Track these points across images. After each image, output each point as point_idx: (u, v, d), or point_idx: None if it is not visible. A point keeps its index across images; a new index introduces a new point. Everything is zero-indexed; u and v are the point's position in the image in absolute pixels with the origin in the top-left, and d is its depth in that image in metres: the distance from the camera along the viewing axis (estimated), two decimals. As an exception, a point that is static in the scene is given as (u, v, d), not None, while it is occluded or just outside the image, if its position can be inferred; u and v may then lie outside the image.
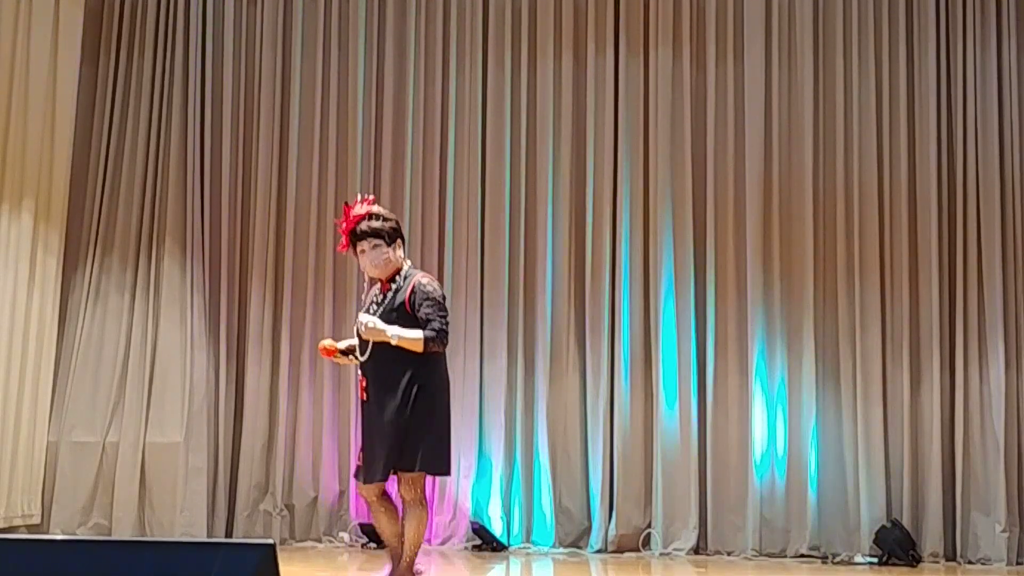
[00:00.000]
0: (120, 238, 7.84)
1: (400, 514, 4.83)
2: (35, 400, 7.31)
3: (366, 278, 5.02)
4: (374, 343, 4.67)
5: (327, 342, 4.92)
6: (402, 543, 4.77)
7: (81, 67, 7.72)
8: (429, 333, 4.67)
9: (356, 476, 4.92)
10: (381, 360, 4.70)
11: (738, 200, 7.61)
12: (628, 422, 7.45)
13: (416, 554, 4.79)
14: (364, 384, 4.76)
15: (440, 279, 7.72)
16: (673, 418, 7.40)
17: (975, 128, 7.40)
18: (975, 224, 7.34)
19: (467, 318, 7.66)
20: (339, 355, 4.89)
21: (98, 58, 8.02)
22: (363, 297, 5.06)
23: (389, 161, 7.89)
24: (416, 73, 7.95)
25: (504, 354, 7.61)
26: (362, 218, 4.80)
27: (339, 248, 5.00)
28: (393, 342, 4.63)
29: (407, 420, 4.66)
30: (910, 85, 7.56)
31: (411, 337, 4.65)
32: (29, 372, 7.22)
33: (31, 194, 7.18)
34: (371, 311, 4.79)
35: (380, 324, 4.63)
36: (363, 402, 4.82)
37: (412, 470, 4.70)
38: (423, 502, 4.76)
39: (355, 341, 4.85)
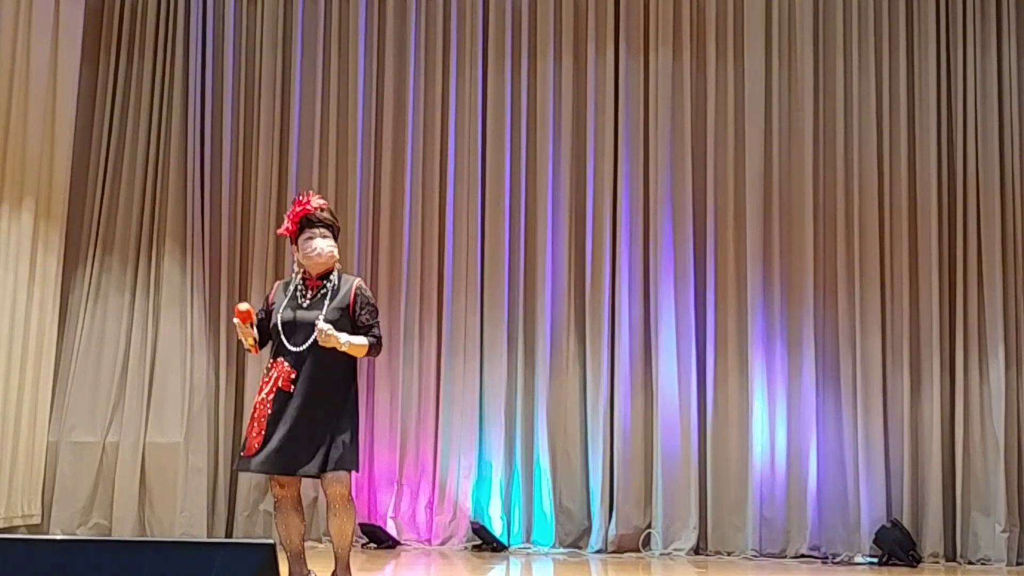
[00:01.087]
0: (120, 238, 7.83)
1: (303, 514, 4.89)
2: (35, 400, 7.31)
3: (295, 266, 4.95)
4: (314, 338, 4.70)
5: (247, 306, 4.83)
6: (336, 544, 4.82)
7: (81, 67, 7.72)
8: (372, 340, 4.83)
9: (243, 465, 4.76)
10: (321, 358, 4.72)
11: (738, 200, 7.60)
12: (628, 422, 7.45)
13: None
14: (293, 376, 4.70)
15: (440, 279, 7.74)
16: (673, 418, 7.40)
17: (975, 128, 7.40)
18: (975, 224, 7.34)
19: (467, 318, 7.66)
20: (248, 326, 4.80)
21: (98, 58, 8.02)
22: (273, 290, 5.01)
23: (389, 161, 7.89)
24: (416, 73, 7.95)
25: (504, 354, 7.60)
26: (320, 208, 4.93)
27: (281, 231, 5.03)
28: (344, 349, 4.71)
29: (350, 420, 4.77)
30: (910, 85, 7.56)
31: (359, 344, 4.77)
32: (29, 372, 7.22)
33: (31, 194, 7.18)
34: (302, 306, 4.80)
35: (335, 331, 4.68)
36: (279, 391, 4.70)
37: (356, 469, 4.81)
38: (353, 500, 4.85)
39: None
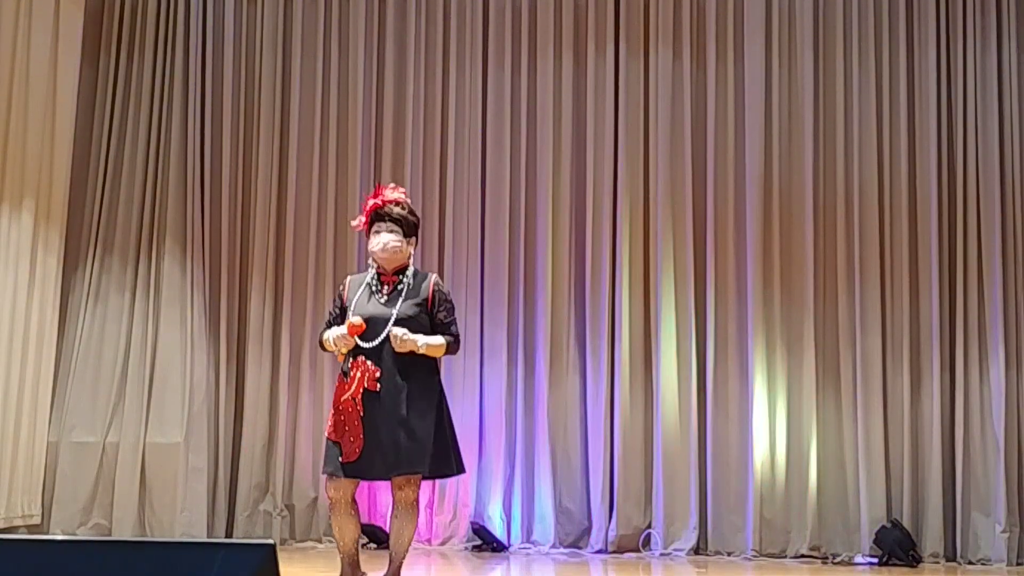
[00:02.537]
0: (120, 238, 7.83)
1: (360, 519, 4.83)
2: (35, 400, 7.31)
3: (370, 261, 4.93)
4: (390, 334, 4.64)
5: (360, 320, 4.68)
6: (395, 547, 4.78)
7: (81, 67, 7.72)
8: (450, 339, 4.79)
9: (340, 472, 4.64)
10: (396, 356, 4.66)
11: (738, 200, 7.61)
12: (628, 422, 7.46)
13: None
14: (377, 375, 4.65)
15: (440, 279, 7.73)
16: (673, 418, 7.40)
17: (975, 128, 7.40)
18: (975, 224, 7.34)
19: (467, 318, 7.66)
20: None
21: (98, 58, 8.02)
22: (346, 286, 4.92)
23: (389, 161, 7.89)
24: (416, 73, 7.95)
25: (504, 354, 7.61)
26: (393, 202, 4.87)
27: (356, 226, 5.00)
28: (421, 351, 4.67)
29: (436, 420, 4.70)
30: (910, 85, 7.56)
31: (437, 344, 4.73)
32: (29, 372, 7.22)
33: (31, 194, 7.18)
34: (379, 301, 4.75)
35: (410, 335, 4.65)
36: (366, 391, 4.64)
37: (423, 472, 4.72)
38: (416, 505, 4.79)
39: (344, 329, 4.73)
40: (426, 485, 7.50)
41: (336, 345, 4.72)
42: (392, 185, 5.09)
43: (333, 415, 4.70)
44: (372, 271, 4.87)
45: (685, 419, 7.40)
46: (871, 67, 7.58)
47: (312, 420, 7.67)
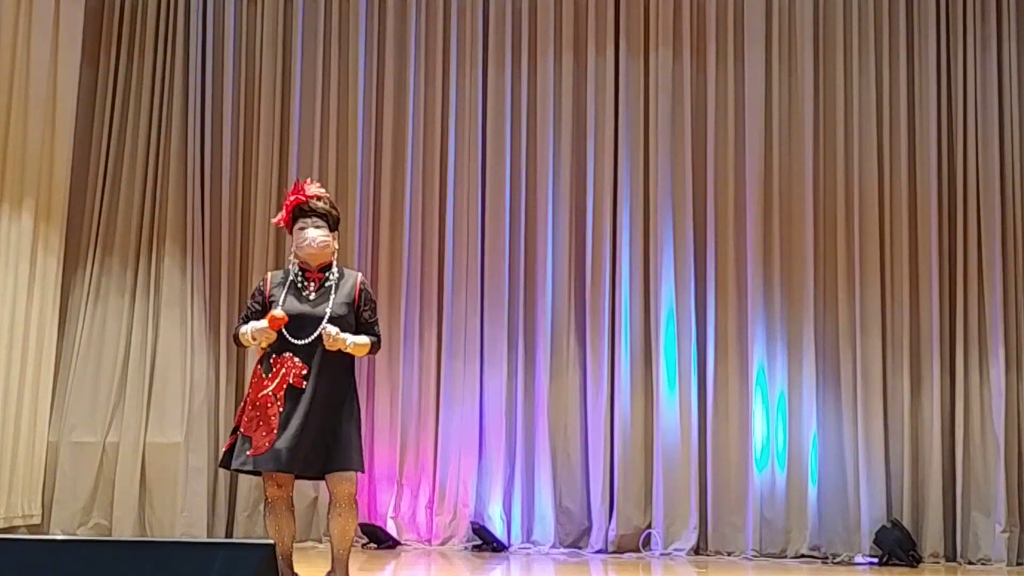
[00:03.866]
0: (120, 239, 7.83)
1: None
2: (35, 400, 7.31)
3: (291, 257, 4.80)
4: (323, 333, 4.60)
5: (282, 312, 4.59)
6: (339, 545, 4.70)
7: (81, 67, 7.71)
8: (374, 339, 4.77)
9: (249, 464, 4.57)
10: (328, 353, 4.63)
11: (738, 200, 7.60)
12: (628, 422, 7.45)
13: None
14: (304, 372, 4.59)
15: (440, 279, 7.74)
16: (673, 418, 7.40)
17: (975, 128, 7.40)
18: (975, 224, 7.34)
19: (467, 317, 7.66)
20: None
21: (98, 58, 8.02)
22: (267, 281, 4.80)
23: (389, 161, 7.89)
24: (416, 73, 7.95)
25: (504, 354, 7.60)
26: (315, 196, 4.80)
27: (277, 221, 4.90)
28: (348, 350, 4.65)
29: (355, 418, 4.70)
30: (910, 85, 7.56)
31: (363, 343, 4.70)
32: (29, 372, 7.22)
33: (31, 194, 7.18)
34: (308, 299, 4.68)
35: (342, 333, 4.61)
36: (289, 387, 4.57)
37: (362, 469, 4.73)
38: (356, 501, 4.75)
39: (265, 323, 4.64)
40: (427, 485, 7.54)
41: (256, 339, 4.64)
42: (309, 180, 4.98)
43: (248, 411, 4.61)
44: (295, 268, 4.76)
45: (685, 419, 7.40)
46: (871, 67, 7.58)
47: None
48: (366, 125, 7.94)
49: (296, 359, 4.60)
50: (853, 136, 7.54)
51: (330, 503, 4.71)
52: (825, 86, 7.64)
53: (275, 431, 4.52)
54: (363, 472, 4.82)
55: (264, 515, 4.80)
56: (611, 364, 7.51)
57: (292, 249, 4.80)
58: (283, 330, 4.61)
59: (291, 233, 4.81)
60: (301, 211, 4.75)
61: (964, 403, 7.17)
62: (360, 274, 4.90)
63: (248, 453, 4.56)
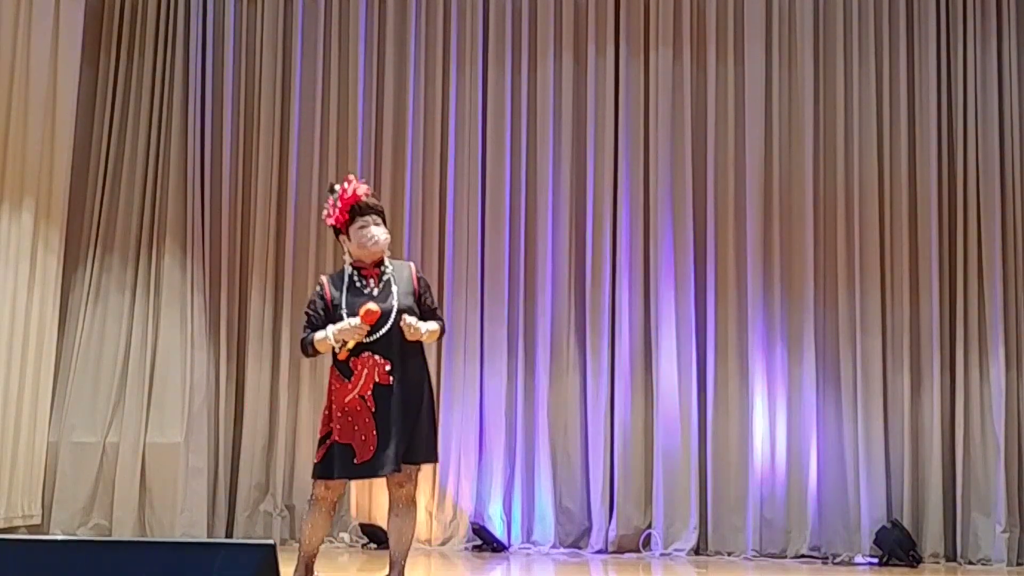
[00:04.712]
0: (120, 238, 7.83)
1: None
2: (35, 400, 7.31)
3: (345, 257, 4.76)
4: (394, 325, 4.55)
5: (376, 306, 4.52)
6: (397, 548, 4.71)
7: (81, 67, 7.71)
8: (441, 323, 4.76)
9: (354, 475, 4.60)
10: (403, 347, 4.58)
11: (738, 200, 7.61)
12: (628, 422, 7.45)
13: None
14: (388, 367, 4.53)
15: (440, 279, 7.74)
16: (673, 418, 7.40)
17: (975, 128, 7.40)
18: (975, 224, 7.34)
19: (467, 317, 7.66)
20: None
21: (98, 58, 8.02)
22: (325, 286, 4.71)
23: (389, 161, 7.89)
24: (416, 73, 7.95)
25: (504, 353, 7.60)
26: (368, 193, 4.77)
27: (330, 221, 4.77)
28: (424, 338, 4.60)
29: (432, 411, 4.67)
30: (910, 85, 7.56)
31: (435, 329, 4.68)
32: (29, 372, 7.22)
33: (31, 194, 7.18)
34: (373, 296, 4.61)
35: (417, 321, 4.57)
36: (376, 386, 4.51)
37: (433, 460, 4.76)
38: (416, 501, 4.75)
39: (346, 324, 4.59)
40: (427, 485, 7.53)
41: (344, 339, 4.52)
42: (353, 177, 4.89)
43: (338, 417, 4.52)
44: (349, 268, 4.71)
45: (685, 419, 7.40)
46: (871, 67, 7.58)
47: (311, 420, 7.67)
48: (366, 125, 7.94)
49: (376, 356, 4.53)
50: (853, 136, 7.54)
51: (389, 503, 4.68)
52: (825, 86, 7.64)
53: (375, 434, 4.47)
54: (436, 462, 4.89)
55: (307, 511, 4.73)
56: (611, 364, 7.51)
57: (347, 248, 4.74)
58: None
59: (344, 232, 4.72)
60: (359, 209, 4.69)
61: (964, 403, 7.17)
62: (412, 263, 4.88)
63: (355, 461, 4.49)
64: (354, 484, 7.52)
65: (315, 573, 4.79)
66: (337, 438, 4.52)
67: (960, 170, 7.40)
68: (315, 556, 4.73)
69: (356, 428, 4.49)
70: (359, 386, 4.51)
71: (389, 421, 4.49)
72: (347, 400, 4.52)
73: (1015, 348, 7.23)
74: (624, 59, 7.77)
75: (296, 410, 7.71)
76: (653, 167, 7.67)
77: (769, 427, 7.37)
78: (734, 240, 7.56)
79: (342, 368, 4.58)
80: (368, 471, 4.55)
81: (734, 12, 7.74)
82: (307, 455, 7.64)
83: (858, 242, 7.43)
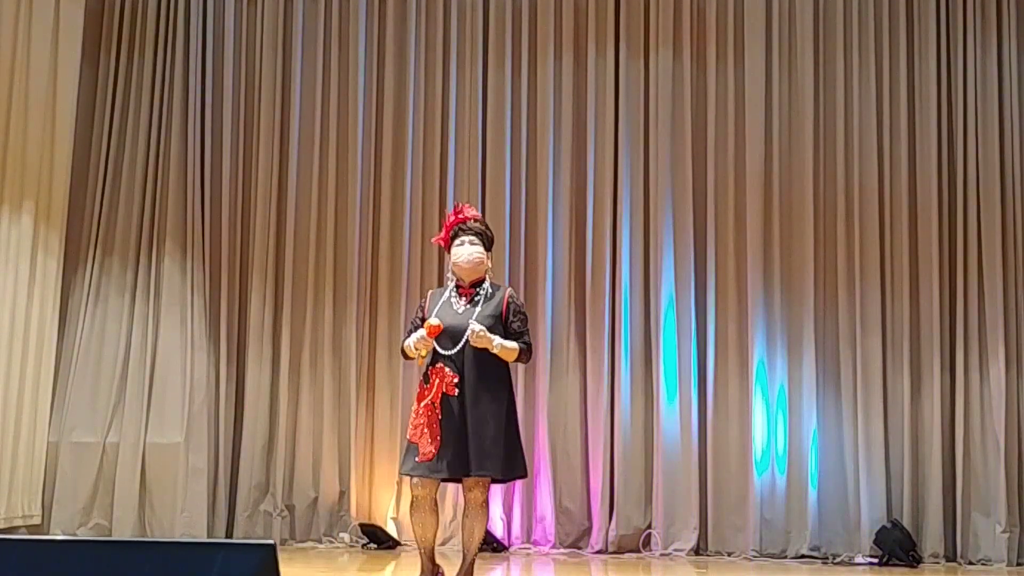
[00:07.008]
0: (120, 239, 7.83)
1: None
2: (35, 400, 7.31)
3: (449, 275, 5.12)
4: (467, 342, 4.87)
5: (437, 320, 4.88)
6: (466, 545, 5.02)
7: (81, 67, 7.72)
8: (523, 345, 4.99)
9: (416, 471, 4.87)
10: (478, 363, 4.89)
11: (738, 200, 7.61)
12: (628, 422, 7.45)
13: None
14: (456, 380, 4.85)
15: (440, 279, 7.73)
16: (673, 418, 7.40)
17: (975, 128, 7.41)
18: (975, 224, 7.34)
19: (467, 318, 7.65)
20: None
21: (98, 58, 8.02)
22: (427, 298, 5.15)
23: (389, 161, 7.89)
24: (416, 73, 7.95)
25: (504, 354, 7.60)
26: (472, 218, 5.16)
27: (435, 240, 5.29)
28: (495, 351, 4.87)
29: (505, 424, 4.91)
30: (910, 85, 7.57)
31: (510, 347, 4.94)
32: (29, 373, 7.22)
33: (31, 195, 7.18)
34: (457, 312, 4.95)
35: (488, 333, 4.86)
36: (444, 396, 4.85)
37: (523, 476, 5.04)
38: (487, 506, 5.05)
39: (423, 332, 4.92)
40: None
41: (417, 348, 4.92)
42: (468, 204, 5.41)
43: (414, 418, 4.90)
44: (451, 285, 5.10)
45: (685, 419, 7.40)
46: (871, 67, 7.58)
47: (311, 420, 7.68)
48: (366, 125, 7.94)
49: (447, 369, 4.89)
50: (853, 136, 7.54)
51: (464, 505, 5.00)
52: (825, 86, 7.64)
53: (439, 439, 4.82)
54: (523, 477, 5.11)
55: (410, 513, 5.02)
56: (611, 364, 7.52)
57: (449, 266, 5.13)
58: (435, 341, 4.89)
59: (448, 251, 5.15)
60: (460, 230, 5.12)
61: (964, 403, 7.17)
62: (510, 289, 5.20)
63: (416, 459, 4.87)
64: (353, 484, 7.53)
65: (439, 567, 5.11)
66: (410, 438, 4.91)
67: (960, 170, 7.41)
68: (432, 551, 5.05)
69: (425, 430, 4.86)
70: (432, 394, 4.89)
71: (452, 430, 4.83)
72: (423, 404, 4.90)
73: (1015, 348, 7.23)
74: (624, 59, 7.78)
75: (296, 410, 7.72)
76: (653, 167, 7.68)
77: (769, 427, 7.37)
78: (734, 240, 7.57)
79: (424, 374, 4.99)
80: (424, 471, 4.86)
81: (734, 12, 7.74)
82: (307, 455, 7.65)
83: (858, 242, 7.44)
